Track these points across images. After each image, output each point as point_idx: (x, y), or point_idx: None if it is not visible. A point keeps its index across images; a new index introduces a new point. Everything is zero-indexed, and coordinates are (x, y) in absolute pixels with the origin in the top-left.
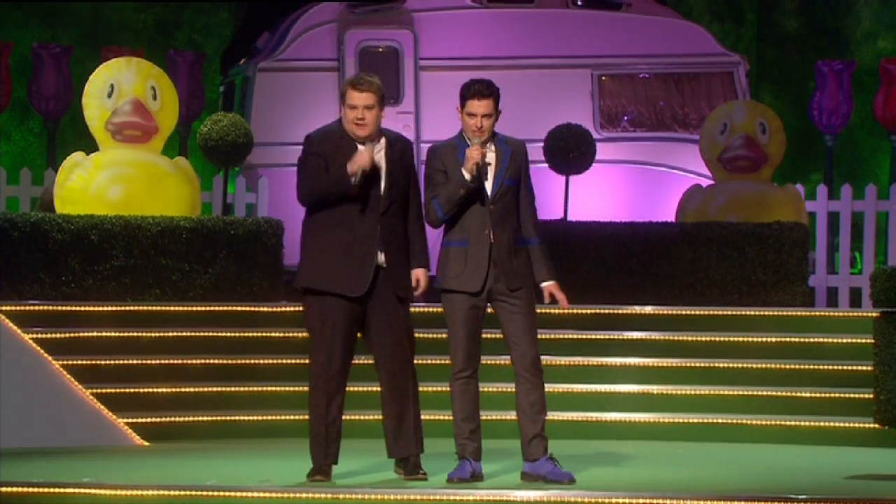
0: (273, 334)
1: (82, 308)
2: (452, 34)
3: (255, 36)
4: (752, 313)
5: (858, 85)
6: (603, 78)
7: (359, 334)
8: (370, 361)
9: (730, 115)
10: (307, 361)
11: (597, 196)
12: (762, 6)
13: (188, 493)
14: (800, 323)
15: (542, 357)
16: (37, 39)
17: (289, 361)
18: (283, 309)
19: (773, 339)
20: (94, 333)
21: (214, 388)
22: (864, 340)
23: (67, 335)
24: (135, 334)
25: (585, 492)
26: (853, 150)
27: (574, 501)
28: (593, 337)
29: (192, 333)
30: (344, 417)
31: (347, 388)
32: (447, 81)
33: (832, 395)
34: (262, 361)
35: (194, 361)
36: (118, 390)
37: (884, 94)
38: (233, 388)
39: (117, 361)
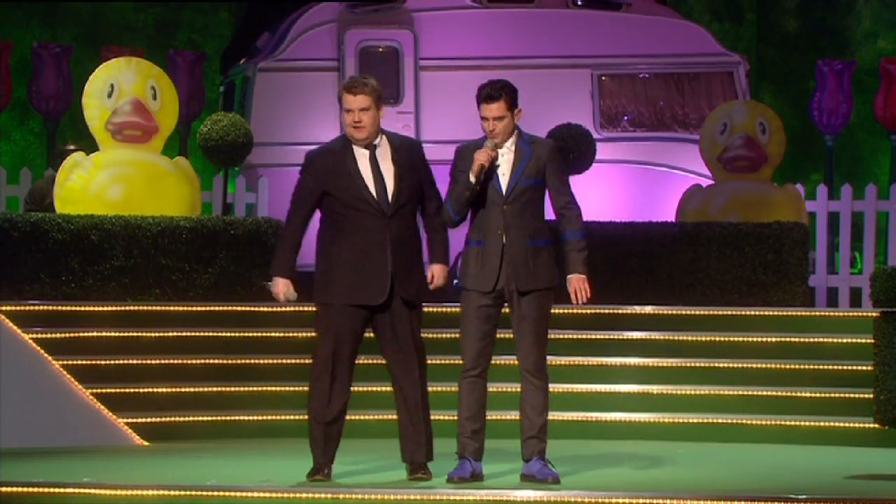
0: (273, 334)
1: (82, 308)
2: (452, 34)
3: (255, 36)
4: (752, 313)
5: (858, 85)
6: (603, 78)
7: (369, 334)
8: (370, 361)
9: (730, 115)
10: (307, 361)
11: (597, 196)
12: (762, 6)
13: (188, 493)
14: (800, 323)
15: None
16: (37, 39)
17: (289, 361)
18: (284, 309)
19: (773, 339)
20: (94, 333)
21: (214, 388)
22: (864, 340)
23: (67, 335)
24: (135, 334)
25: (585, 492)
26: (853, 150)
27: (574, 501)
28: (593, 337)
29: (192, 333)
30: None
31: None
32: (447, 81)
33: (832, 395)
34: (262, 361)
35: (194, 361)
36: (118, 390)
37: (884, 94)
38: (233, 388)
39: (117, 361)
